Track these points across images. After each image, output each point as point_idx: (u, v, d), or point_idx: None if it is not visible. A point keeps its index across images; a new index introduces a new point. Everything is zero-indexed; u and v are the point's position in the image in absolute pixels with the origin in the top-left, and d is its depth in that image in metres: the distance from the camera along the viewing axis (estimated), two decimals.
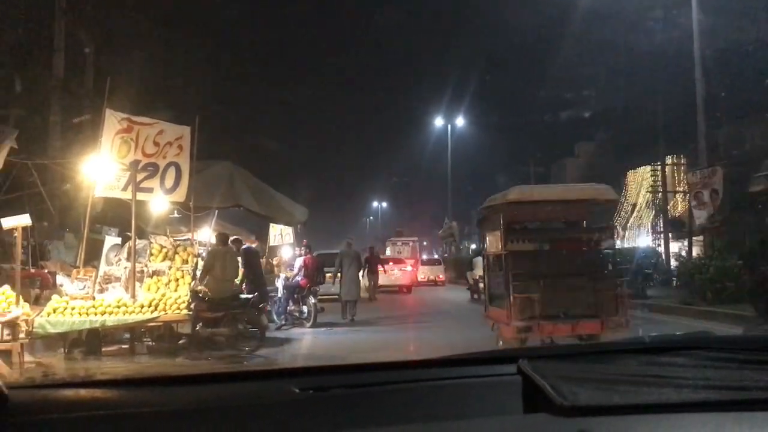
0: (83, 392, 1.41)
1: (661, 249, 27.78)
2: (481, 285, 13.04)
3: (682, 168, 31.86)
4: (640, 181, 37.71)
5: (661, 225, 31.47)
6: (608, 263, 9.03)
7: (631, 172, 38.71)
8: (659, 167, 30.83)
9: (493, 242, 9.47)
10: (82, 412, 1.27)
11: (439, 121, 42.02)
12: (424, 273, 31.18)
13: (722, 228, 18.65)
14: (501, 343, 8.64)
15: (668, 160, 31.89)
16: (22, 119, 14.76)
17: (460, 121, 41.88)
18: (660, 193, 31.53)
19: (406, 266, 28.01)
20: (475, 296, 19.38)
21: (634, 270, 18.20)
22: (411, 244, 34.57)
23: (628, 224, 38.78)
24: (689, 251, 21.69)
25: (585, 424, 1.21)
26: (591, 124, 40.80)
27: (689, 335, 2.10)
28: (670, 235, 29.24)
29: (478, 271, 17.18)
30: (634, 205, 38.60)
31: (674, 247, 27.47)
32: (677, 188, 32.30)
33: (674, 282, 18.97)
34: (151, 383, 1.49)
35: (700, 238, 21.60)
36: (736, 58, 21.52)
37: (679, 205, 32.14)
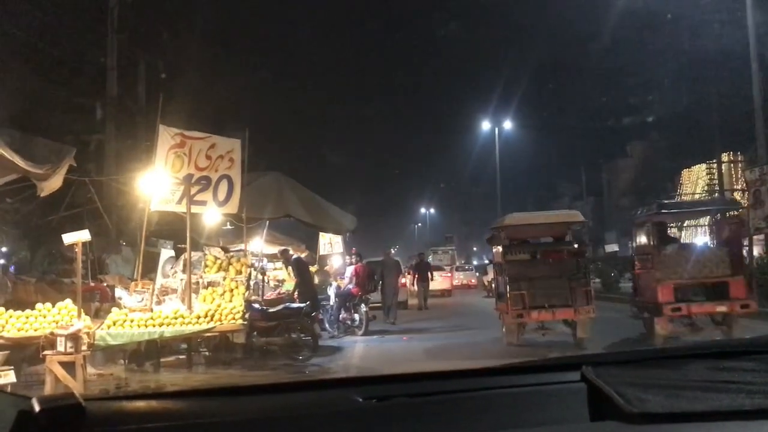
0: (155, 403, 1.44)
1: None
2: (493, 286, 16.38)
3: (740, 165, 30.81)
4: (695, 180, 36.69)
5: None
6: (581, 268, 11.25)
7: (686, 170, 37.68)
8: (715, 165, 29.90)
9: (498, 254, 12.11)
10: (156, 423, 1.30)
11: (487, 126, 41.69)
12: (458, 279, 35.45)
13: None
14: (504, 328, 11.44)
15: (724, 157, 30.92)
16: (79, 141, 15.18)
17: (508, 125, 41.40)
18: (717, 192, 30.57)
19: (446, 273, 31.88)
20: (489, 294, 22.69)
21: None
22: (450, 252, 37.82)
23: (684, 224, 37.59)
24: (749, 251, 20.89)
25: (655, 431, 1.19)
26: (643, 124, 39.95)
27: (757, 339, 2.03)
28: None
29: (490, 276, 21.68)
30: None
31: None
32: (735, 187, 31.24)
33: None
34: (219, 394, 1.52)
35: (761, 237, 20.76)
36: None
37: None
